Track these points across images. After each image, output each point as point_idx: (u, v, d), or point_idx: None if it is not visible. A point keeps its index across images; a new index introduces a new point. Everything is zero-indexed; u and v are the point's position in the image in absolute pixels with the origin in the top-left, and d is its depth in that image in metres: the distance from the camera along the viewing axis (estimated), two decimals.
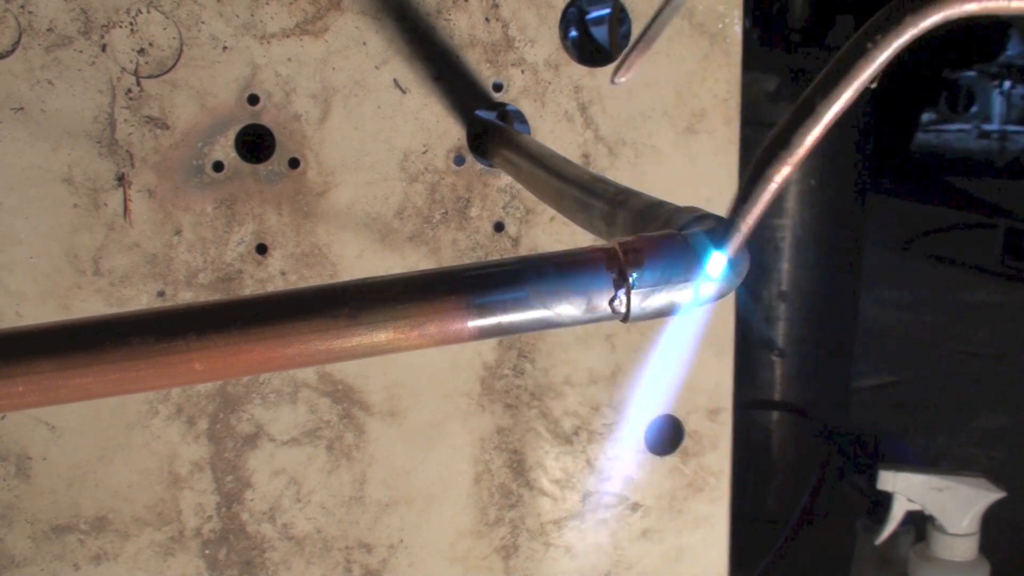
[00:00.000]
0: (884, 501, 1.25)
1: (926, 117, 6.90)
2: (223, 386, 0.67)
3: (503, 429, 0.74)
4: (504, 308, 0.33)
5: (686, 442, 0.78)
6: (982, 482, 1.19)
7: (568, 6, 0.68)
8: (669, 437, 0.78)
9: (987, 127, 6.95)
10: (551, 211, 0.70)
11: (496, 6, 0.66)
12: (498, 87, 0.68)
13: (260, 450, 0.68)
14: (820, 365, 1.93)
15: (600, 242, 0.35)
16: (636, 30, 0.69)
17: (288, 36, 0.63)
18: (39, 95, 0.59)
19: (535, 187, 0.55)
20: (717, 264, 0.34)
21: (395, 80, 0.65)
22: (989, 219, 4.15)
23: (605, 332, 0.74)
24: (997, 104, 6.99)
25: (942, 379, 2.70)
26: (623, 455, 0.77)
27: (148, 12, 0.60)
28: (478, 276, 0.33)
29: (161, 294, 0.65)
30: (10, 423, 0.63)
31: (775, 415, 1.92)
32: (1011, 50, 6.47)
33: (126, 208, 0.63)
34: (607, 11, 0.83)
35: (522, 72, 0.68)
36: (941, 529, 1.19)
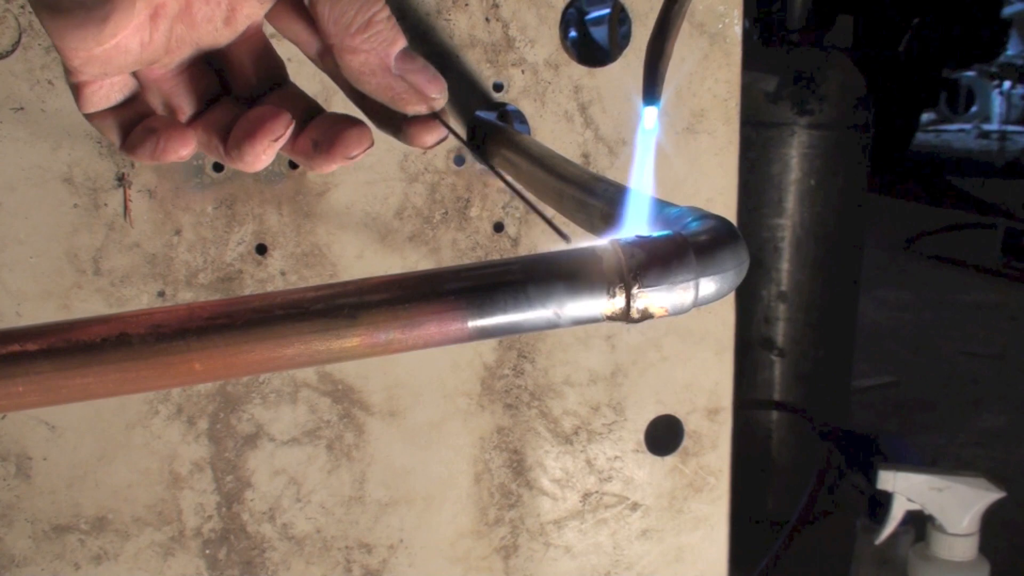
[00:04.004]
0: (884, 501, 1.25)
1: (926, 117, 6.90)
2: (223, 386, 0.67)
3: (503, 429, 0.74)
4: (504, 308, 0.33)
5: (686, 442, 0.78)
6: (982, 482, 1.19)
7: (568, 6, 0.68)
8: (669, 437, 0.78)
9: (987, 127, 6.96)
10: (551, 211, 0.70)
11: (496, 6, 0.66)
12: (498, 87, 0.68)
13: (260, 450, 0.68)
14: (820, 365, 1.93)
15: (600, 242, 0.35)
16: (637, 30, 0.69)
17: None
18: (39, 95, 0.59)
19: (535, 187, 0.55)
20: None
21: None
22: (989, 219, 4.15)
23: (605, 332, 0.74)
24: (997, 104, 7.00)
25: (942, 379, 2.70)
26: (623, 455, 0.77)
27: None
28: (478, 276, 0.33)
29: (161, 294, 0.65)
30: (10, 423, 0.63)
31: (775, 415, 1.92)
32: (1011, 50, 6.48)
33: (126, 208, 0.63)
34: (607, 11, 0.83)
35: (522, 72, 0.68)
36: (941, 529, 1.19)
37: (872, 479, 1.24)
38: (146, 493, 0.67)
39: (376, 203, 0.67)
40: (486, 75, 0.67)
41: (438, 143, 0.44)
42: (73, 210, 0.62)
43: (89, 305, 0.63)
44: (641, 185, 0.40)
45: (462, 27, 0.66)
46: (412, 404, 0.71)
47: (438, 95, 0.42)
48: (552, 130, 0.69)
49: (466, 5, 0.66)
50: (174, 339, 0.30)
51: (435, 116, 0.44)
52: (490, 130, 0.65)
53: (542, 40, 0.68)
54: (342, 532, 0.72)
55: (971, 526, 1.18)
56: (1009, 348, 2.95)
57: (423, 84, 0.42)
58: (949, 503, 1.18)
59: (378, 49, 0.39)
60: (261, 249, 0.66)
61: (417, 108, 0.42)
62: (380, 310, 0.32)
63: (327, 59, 0.43)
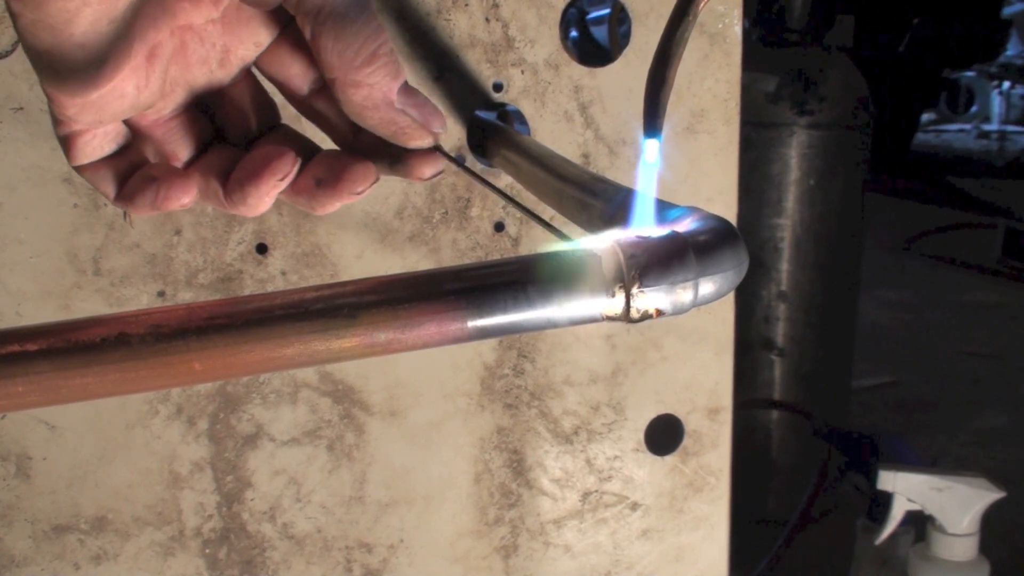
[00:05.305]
0: (884, 501, 1.25)
1: (926, 117, 6.91)
2: (223, 386, 0.67)
3: (503, 429, 0.74)
4: (504, 308, 0.33)
5: (686, 442, 0.78)
6: (982, 482, 1.19)
7: (568, 6, 0.68)
8: (669, 437, 0.78)
9: (987, 127, 6.96)
10: (551, 211, 0.70)
11: (496, 6, 0.66)
12: (498, 87, 0.68)
13: (260, 450, 0.69)
14: (820, 365, 1.93)
15: (600, 242, 0.35)
16: (637, 30, 0.69)
17: None
18: (39, 95, 0.59)
19: (535, 187, 0.55)
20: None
21: None
22: (989, 219, 4.15)
23: (605, 332, 0.74)
24: (997, 104, 7.00)
25: (942, 379, 2.70)
26: (623, 455, 0.77)
27: None
28: (478, 276, 0.33)
29: (161, 294, 0.65)
30: (10, 423, 0.63)
31: (775, 415, 1.92)
32: (1011, 50, 6.49)
33: None
34: (607, 11, 0.83)
35: (522, 72, 0.68)
36: (941, 529, 1.19)
37: (872, 479, 1.24)
38: (146, 493, 0.67)
39: (376, 203, 0.67)
40: (486, 75, 0.67)
41: (436, 176, 0.44)
42: (73, 210, 0.62)
43: (89, 305, 0.63)
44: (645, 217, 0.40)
45: (462, 27, 0.66)
46: (412, 404, 0.71)
47: (440, 128, 0.42)
48: (552, 130, 0.69)
49: (466, 5, 0.66)
50: (174, 339, 0.30)
51: (435, 148, 0.44)
52: (490, 130, 0.65)
53: (542, 40, 0.68)
54: (342, 532, 0.72)
55: (971, 526, 1.19)
56: (1009, 348, 2.95)
57: (426, 118, 0.41)
58: (949, 503, 1.18)
59: (381, 83, 0.39)
60: (261, 249, 0.66)
61: (420, 142, 0.42)
62: (380, 310, 0.32)
63: (318, 99, 0.43)
